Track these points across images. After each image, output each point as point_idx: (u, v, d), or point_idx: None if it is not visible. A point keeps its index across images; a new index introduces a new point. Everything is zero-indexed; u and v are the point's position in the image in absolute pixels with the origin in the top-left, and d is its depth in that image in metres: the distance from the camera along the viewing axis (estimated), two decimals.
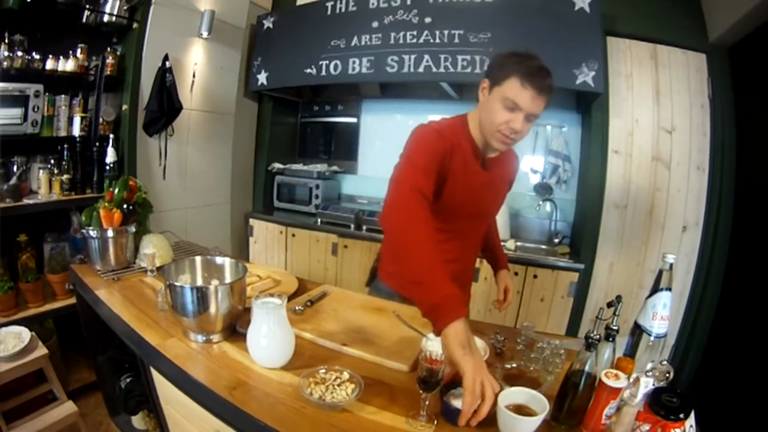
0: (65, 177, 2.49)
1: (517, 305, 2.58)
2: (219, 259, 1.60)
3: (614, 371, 0.97)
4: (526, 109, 1.28)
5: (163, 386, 1.44)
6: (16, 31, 2.36)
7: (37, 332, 2.36)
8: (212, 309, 1.35)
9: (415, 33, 2.68)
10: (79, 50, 2.59)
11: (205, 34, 3.13)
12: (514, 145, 1.46)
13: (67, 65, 2.51)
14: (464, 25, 2.58)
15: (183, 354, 1.34)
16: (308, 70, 3.13)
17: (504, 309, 1.86)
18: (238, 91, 3.56)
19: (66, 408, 2.20)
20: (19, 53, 2.35)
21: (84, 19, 2.62)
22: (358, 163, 3.90)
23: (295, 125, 4.07)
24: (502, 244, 2.02)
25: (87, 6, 2.60)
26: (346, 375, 1.16)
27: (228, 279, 1.55)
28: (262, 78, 3.41)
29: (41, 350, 2.17)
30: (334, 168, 3.81)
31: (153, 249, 1.92)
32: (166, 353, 1.34)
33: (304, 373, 1.16)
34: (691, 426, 0.87)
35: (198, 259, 1.60)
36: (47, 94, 2.44)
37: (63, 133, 2.54)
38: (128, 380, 2.02)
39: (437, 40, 2.61)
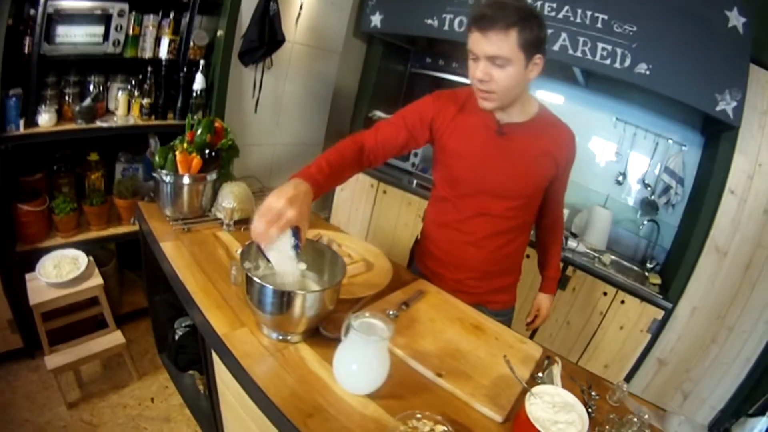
0: (146, 101, 2.06)
1: (596, 326, 2.13)
2: (318, 244, 1.19)
3: None
4: (480, 51, 1.08)
5: (223, 372, 1.09)
6: None
7: (97, 254, 2.04)
8: (296, 312, 0.98)
9: (554, 5, 2.06)
10: None
11: None
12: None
13: None
14: (609, 9, 1.97)
15: (253, 354, 0.99)
16: (429, 21, 2.50)
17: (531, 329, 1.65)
18: (348, 30, 2.94)
19: (113, 338, 1.92)
20: None
21: None
22: None
23: (403, 74, 3.33)
24: (594, 256, 1.71)
25: None
26: (440, 429, 0.84)
27: (321, 274, 1.15)
28: (375, 20, 2.77)
29: (96, 279, 1.86)
30: None
31: (233, 202, 1.50)
32: (233, 350, 0.99)
33: (399, 416, 0.85)
34: None
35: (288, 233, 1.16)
36: (134, 12, 1.98)
37: (148, 55, 2.09)
38: (184, 331, 1.65)
39: (578, 20, 2.01)
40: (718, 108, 1.85)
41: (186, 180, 1.48)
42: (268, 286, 0.94)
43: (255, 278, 0.94)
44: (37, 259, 1.82)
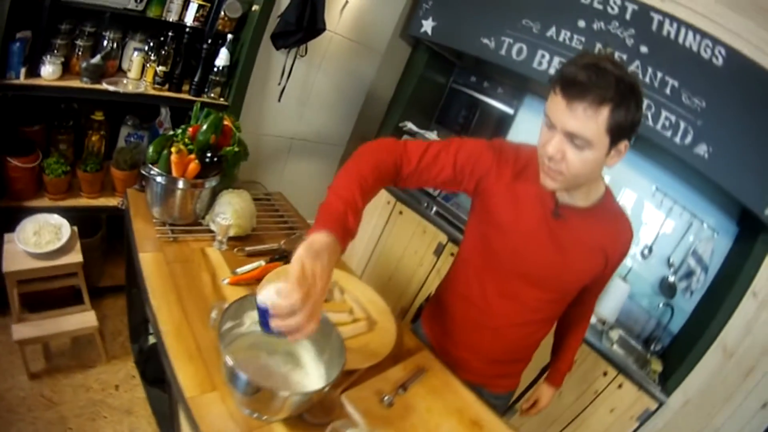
0: (161, 68, 1.81)
1: (587, 403, 1.97)
2: None
3: None
4: (558, 122, 0.84)
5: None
6: None
7: (84, 222, 1.84)
8: (276, 405, 0.82)
9: (624, 57, 1.79)
10: None
11: None
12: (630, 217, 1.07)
13: None
14: (681, 76, 1.72)
15: (220, 428, 0.83)
16: (485, 41, 2.19)
17: (525, 416, 1.42)
18: (395, 30, 2.63)
19: (86, 318, 1.75)
20: None
21: None
22: None
23: (443, 88, 2.98)
24: (602, 330, 1.61)
25: None
26: None
27: (317, 345, 0.97)
28: (427, 26, 2.43)
29: (76, 256, 1.68)
30: None
31: (230, 218, 1.30)
32: (198, 420, 0.83)
33: None
34: None
35: None
36: None
37: (173, 18, 1.84)
38: (157, 340, 1.47)
39: (646, 79, 1.75)
40: (767, 212, 1.65)
41: (179, 185, 1.26)
42: (243, 376, 0.76)
43: (230, 361, 0.77)
44: (19, 218, 1.64)
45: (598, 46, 1.82)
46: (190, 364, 0.94)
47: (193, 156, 1.25)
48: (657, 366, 1.95)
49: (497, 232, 1.06)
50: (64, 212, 1.73)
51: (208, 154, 1.29)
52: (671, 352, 2.06)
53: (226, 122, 1.37)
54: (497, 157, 1.04)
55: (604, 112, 0.79)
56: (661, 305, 2.13)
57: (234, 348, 0.92)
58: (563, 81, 0.82)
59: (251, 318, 0.97)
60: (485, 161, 1.04)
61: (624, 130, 0.82)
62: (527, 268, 1.05)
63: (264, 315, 0.72)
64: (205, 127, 1.31)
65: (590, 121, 0.80)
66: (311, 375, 0.95)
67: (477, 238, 1.13)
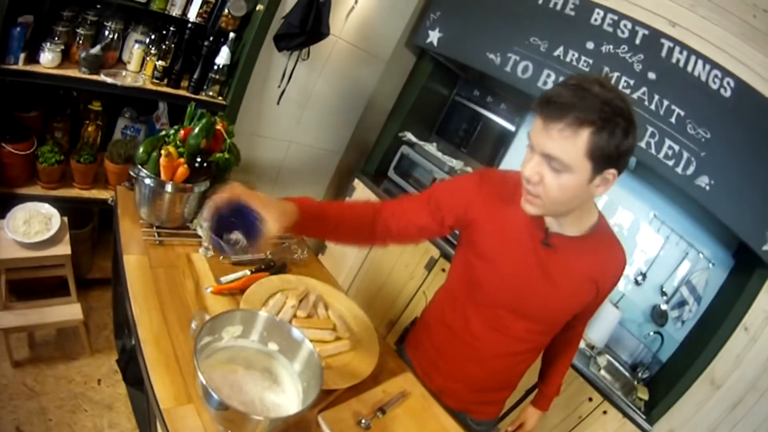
0: (160, 63, 1.79)
1: (571, 428, 1.96)
2: (296, 333, 0.96)
3: None
4: (536, 143, 0.82)
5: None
6: None
7: (75, 212, 1.84)
8: (250, 426, 0.80)
9: (631, 82, 1.77)
10: None
11: None
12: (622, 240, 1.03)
13: None
14: (688, 105, 1.70)
15: None
16: (491, 56, 2.15)
17: None
18: (400, 39, 2.58)
19: (71, 311, 1.75)
20: None
21: None
22: None
23: (445, 99, 2.94)
24: (590, 355, 1.59)
25: None
26: None
27: (296, 365, 0.96)
28: (433, 36, 2.40)
29: (64, 247, 1.69)
30: (468, 169, 2.66)
31: None
32: (170, 427, 0.83)
33: None
34: None
35: (262, 317, 0.97)
36: None
37: (177, 12, 1.82)
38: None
39: (652, 106, 1.72)
40: (764, 247, 1.64)
41: (168, 188, 1.25)
42: (215, 396, 0.75)
43: (203, 380, 0.76)
44: (10, 204, 1.65)
45: (606, 69, 1.79)
46: (168, 374, 0.94)
47: (182, 160, 1.24)
48: (643, 394, 1.94)
49: (484, 263, 1.03)
50: (55, 202, 1.74)
51: (198, 159, 1.28)
52: (658, 381, 2.05)
53: (219, 126, 1.36)
54: (481, 183, 1.03)
55: (583, 135, 0.75)
56: (651, 333, 2.12)
57: (212, 362, 0.92)
58: (541, 102, 0.80)
59: (229, 333, 0.97)
60: (466, 191, 1.02)
61: (609, 157, 0.77)
62: (515, 299, 1.02)
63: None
64: (196, 130, 1.29)
65: (566, 143, 0.76)
66: (288, 394, 0.94)
67: (463, 268, 1.10)
